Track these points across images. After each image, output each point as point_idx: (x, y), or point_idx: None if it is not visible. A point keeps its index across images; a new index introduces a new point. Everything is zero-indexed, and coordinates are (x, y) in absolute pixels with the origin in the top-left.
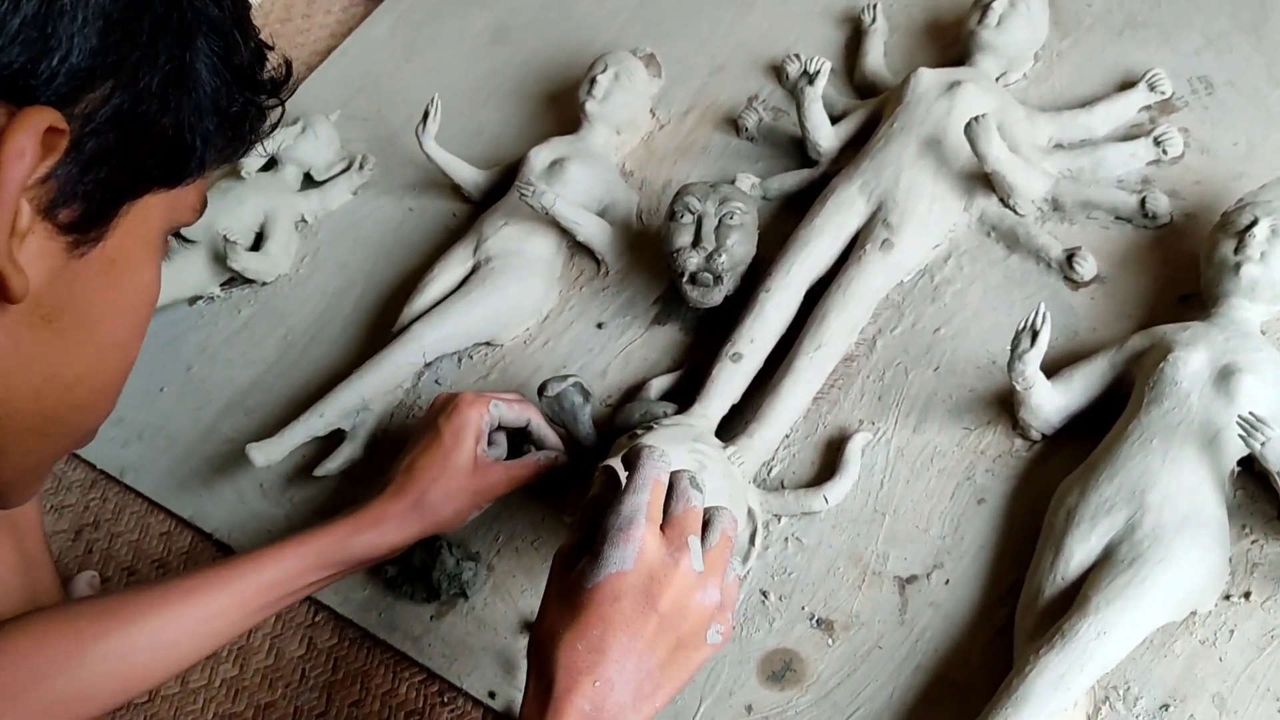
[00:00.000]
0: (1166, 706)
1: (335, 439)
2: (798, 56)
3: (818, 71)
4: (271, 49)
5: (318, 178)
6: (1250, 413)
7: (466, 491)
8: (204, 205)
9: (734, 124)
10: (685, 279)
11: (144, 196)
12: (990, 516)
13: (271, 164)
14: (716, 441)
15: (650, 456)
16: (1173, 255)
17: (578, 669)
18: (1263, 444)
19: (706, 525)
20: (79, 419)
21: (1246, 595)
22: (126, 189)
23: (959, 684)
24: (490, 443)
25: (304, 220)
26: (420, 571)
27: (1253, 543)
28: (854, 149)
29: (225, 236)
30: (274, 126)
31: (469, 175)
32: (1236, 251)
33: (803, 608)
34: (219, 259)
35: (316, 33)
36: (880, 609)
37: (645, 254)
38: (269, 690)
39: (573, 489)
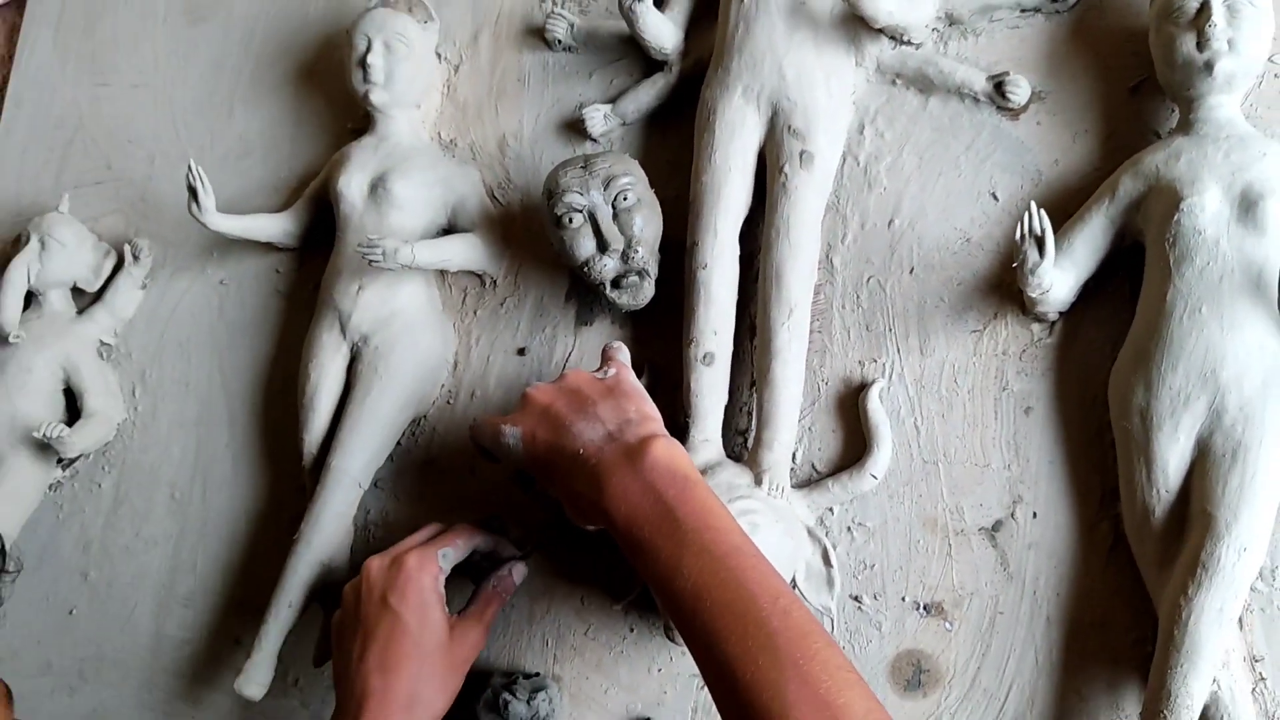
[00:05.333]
0: None
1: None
2: None
3: None
4: None
5: (89, 289)
6: None
7: (452, 667)
8: None
9: (541, 36)
10: (608, 289)
11: None
12: (1043, 425)
13: (29, 301)
14: (747, 480)
15: None
16: (1101, 39)
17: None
18: None
19: None
20: None
21: None
22: None
23: (1096, 623)
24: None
25: (104, 344)
26: None
27: None
28: (702, 30)
29: (44, 433)
30: None
31: (275, 227)
32: (1200, 48)
33: (903, 598)
34: (44, 448)
35: None
36: (982, 570)
37: (522, 240)
38: None
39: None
